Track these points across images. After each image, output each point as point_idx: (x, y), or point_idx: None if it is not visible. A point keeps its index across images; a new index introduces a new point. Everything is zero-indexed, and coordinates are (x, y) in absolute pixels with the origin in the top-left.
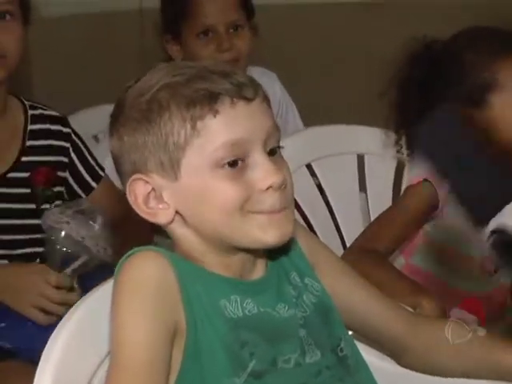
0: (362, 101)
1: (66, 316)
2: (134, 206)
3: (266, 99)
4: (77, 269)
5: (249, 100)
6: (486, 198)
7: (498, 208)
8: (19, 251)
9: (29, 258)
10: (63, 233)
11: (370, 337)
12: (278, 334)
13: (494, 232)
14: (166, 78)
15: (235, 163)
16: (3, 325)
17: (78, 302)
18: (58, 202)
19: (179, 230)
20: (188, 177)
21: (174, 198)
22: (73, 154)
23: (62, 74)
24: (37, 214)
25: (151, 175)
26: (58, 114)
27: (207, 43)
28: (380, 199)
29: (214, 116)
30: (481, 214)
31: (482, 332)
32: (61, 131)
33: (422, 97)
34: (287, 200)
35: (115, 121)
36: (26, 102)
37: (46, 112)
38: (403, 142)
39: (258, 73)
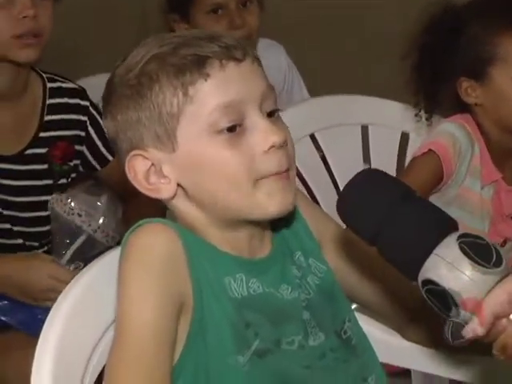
0: (368, 70)
1: (69, 284)
2: (134, 183)
3: (257, 60)
4: (76, 251)
5: (238, 61)
6: (409, 258)
7: (421, 263)
8: (38, 229)
9: (47, 236)
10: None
11: (375, 310)
12: (281, 316)
13: (424, 284)
14: (153, 50)
15: (233, 128)
16: (10, 304)
17: (82, 271)
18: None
19: (182, 205)
20: (185, 146)
21: (174, 170)
22: (90, 128)
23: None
24: (53, 190)
25: (149, 150)
26: (76, 86)
27: (218, 20)
28: (384, 170)
29: (205, 80)
30: (408, 271)
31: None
32: (79, 104)
33: (436, 63)
34: (290, 160)
35: (107, 102)
36: (44, 75)
37: (64, 85)
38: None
39: (264, 45)
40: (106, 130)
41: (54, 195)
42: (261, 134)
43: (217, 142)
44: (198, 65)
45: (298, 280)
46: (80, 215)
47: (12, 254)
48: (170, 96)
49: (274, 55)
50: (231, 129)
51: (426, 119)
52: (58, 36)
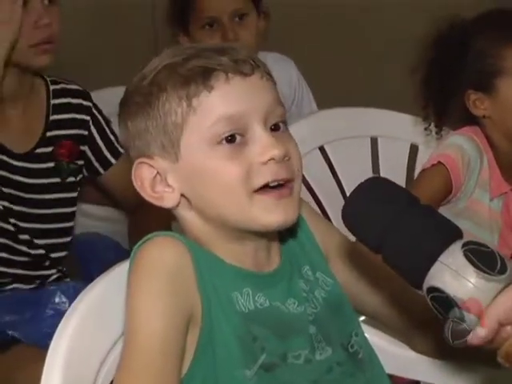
0: (377, 83)
1: (77, 299)
2: (140, 191)
3: (267, 75)
4: None
5: (245, 75)
6: (414, 265)
7: (426, 270)
8: (49, 226)
9: (57, 233)
10: None
11: (383, 321)
12: (287, 330)
13: (428, 291)
14: (166, 60)
15: (233, 138)
16: (16, 317)
17: (91, 284)
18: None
19: (186, 215)
20: (188, 156)
21: (177, 180)
22: (92, 128)
23: (73, 62)
24: (62, 187)
25: (155, 158)
26: (79, 87)
27: (212, 34)
28: None
29: (209, 92)
30: (413, 279)
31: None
32: (81, 104)
33: (445, 76)
34: (293, 172)
35: (122, 109)
36: (47, 78)
37: (67, 86)
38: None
39: (272, 58)
40: (120, 137)
41: None
42: (261, 147)
43: (217, 153)
44: (204, 77)
45: (305, 294)
46: None
47: None
48: (175, 106)
49: (284, 70)
50: (232, 140)
51: (436, 133)
52: (67, 50)
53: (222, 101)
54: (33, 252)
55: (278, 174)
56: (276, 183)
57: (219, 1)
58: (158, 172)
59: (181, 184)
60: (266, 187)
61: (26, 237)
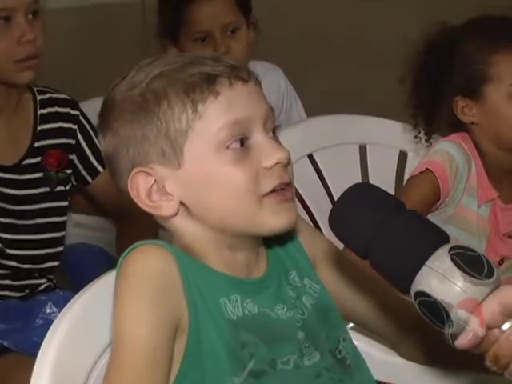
0: (364, 90)
1: (65, 308)
2: (136, 201)
3: (259, 82)
4: None
5: (245, 81)
6: (401, 270)
7: (413, 274)
8: (42, 236)
9: (50, 243)
10: None
11: (370, 328)
12: (276, 336)
13: (416, 296)
14: (156, 69)
15: (239, 143)
16: (7, 326)
17: (78, 293)
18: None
19: (182, 223)
20: (192, 162)
21: (177, 187)
22: (80, 136)
23: (61, 67)
24: (51, 197)
25: (153, 166)
26: (66, 96)
27: (204, 48)
28: None
29: (215, 97)
30: (400, 283)
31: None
32: (69, 113)
33: (433, 83)
34: (291, 176)
35: (106, 118)
36: (34, 88)
37: (54, 95)
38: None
39: (262, 67)
40: (102, 147)
41: None
42: (267, 151)
43: (224, 159)
44: (208, 82)
45: (293, 300)
46: None
47: None
48: (179, 112)
49: (272, 78)
50: (238, 146)
51: (426, 141)
52: (56, 61)
53: (228, 106)
54: (21, 265)
55: (284, 177)
56: (279, 187)
57: (212, 15)
58: (155, 180)
59: (181, 191)
60: (271, 191)
61: (14, 250)
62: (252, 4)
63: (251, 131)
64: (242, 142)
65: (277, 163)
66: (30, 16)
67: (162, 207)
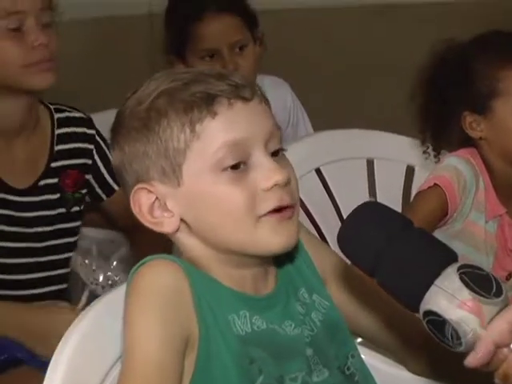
0: (373, 106)
1: (74, 322)
2: (138, 217)
3: (265, 99)
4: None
5: (246, 100)
6: (410, 290)
7: (421, 294)
8: (54, 257)
9: (63, 264)
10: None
11: (379, 343)
12: (284, 352)
13: (425, 315)
14: (163, 85)
15: (237, 166)
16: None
17: (88, 308)
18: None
19: (185, 239)
20: (190, 182)
21: (177, 205)
22: (96, 156)
23: (70, 79)
24: (67, 218)
25: (154, 184)
26: (83, 115)
27: (212, 65)
28: (390, 205)
29: (213, 118)
30: (409, 303)
31: None
32: (85, 133)
33: (442, 99)
34: (293, 196)
35: (116, 133)
36: (50, 106)
37: (71, 114)
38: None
39: (268, 82)
40: (112, 160)
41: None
42: (264, 173)
43: (221, 179)
44: (207, 102)
45: (302, 316)
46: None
47: (28, 304)
48: (178, 132)
49: (279, 93)
50: (236, 166)
51: (434, 156)
52: (68, 74)
53: (226, 127)
54: (30, 291)
55: (283, 199)
56: (278, 208)
57: (219, 32)
58: (156, 197)
59: (181, 209)
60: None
61: (23, 275)
62: (258, 19)
63: (251, 152)
64: (240, 163)
65: (275, 185)
66: (40, 25)
67: (163, 223)
